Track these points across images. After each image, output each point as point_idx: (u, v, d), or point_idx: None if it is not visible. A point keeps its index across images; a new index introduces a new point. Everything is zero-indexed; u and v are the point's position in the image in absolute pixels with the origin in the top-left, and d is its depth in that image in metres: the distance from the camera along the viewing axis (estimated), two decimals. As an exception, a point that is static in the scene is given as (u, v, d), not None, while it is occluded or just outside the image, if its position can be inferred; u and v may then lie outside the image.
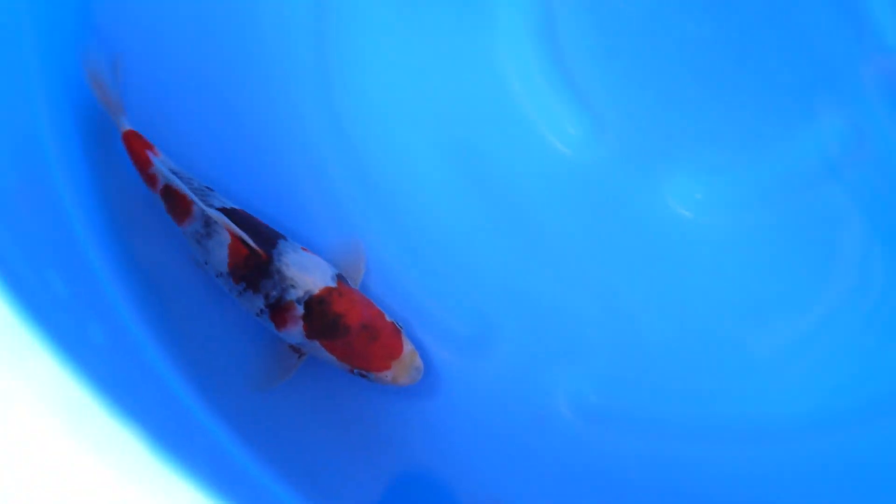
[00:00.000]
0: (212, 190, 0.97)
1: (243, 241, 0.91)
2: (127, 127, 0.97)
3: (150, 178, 0.96)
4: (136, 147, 0.96)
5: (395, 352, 0.94)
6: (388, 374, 0.93)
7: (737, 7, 1.11)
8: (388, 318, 0.95)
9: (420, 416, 0.99)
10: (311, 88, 1.07)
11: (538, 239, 1.06)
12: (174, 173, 0.95)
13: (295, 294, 0.92)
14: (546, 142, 1.08)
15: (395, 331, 0.95)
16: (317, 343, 0.93)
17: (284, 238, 0.96)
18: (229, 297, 0.97)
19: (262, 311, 0.93)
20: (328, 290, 0.93)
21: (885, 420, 1.01)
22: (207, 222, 0.93)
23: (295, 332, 0.93)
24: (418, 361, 0.95)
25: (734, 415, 1.01)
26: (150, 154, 0.96)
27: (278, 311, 0.93)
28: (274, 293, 0.92)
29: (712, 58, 1.10)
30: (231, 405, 0.96)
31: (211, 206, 0.93)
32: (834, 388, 1.02)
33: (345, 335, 0.93)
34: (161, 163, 0.95)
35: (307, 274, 0.93)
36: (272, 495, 0.92)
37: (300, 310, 0.92)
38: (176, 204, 0.94)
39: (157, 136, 0.98)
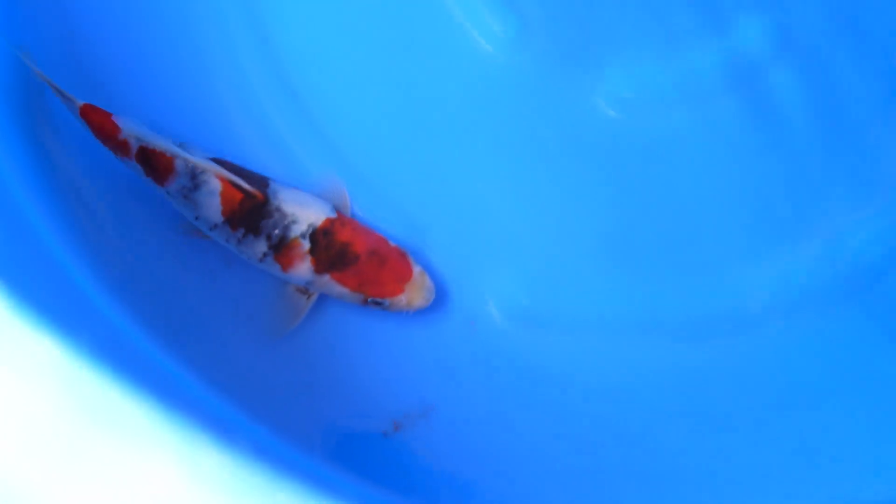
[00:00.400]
0: (185, 144, 0.95)
1: (237, 185, 0.90)
2: (81, 101, 0.93)
3: (121, 146, 0.92)
4: (98, 118, 0.92)
5: (405, 274, 0.94)
6: (402, 298, 0.94)
7: None
8: (392, 243, 0.96)
9: (347, 321, 0.99)
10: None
11: (466, 141, 1.06)
12: (146, 133, 0.92)
13: (298, 229, 0.92)
14: (473, 42, 1.08)
15: (402, 254, 0.95)
16: (327, 277, 0.93)
17: (273, 179, 0.95)
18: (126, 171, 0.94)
19: (264, 255, 0.93)
20: (330, 221, 0.93)
21: (809, 314, 1.03)
22: (194, 174, 0.91)
23: (303, 269, 0.93)
24: (429, 282, 0.96)
25: (664, 313, 1.03)
26: (115, 121, 0.92)
27: (283, 250, 0.92)
28: (276, 232, 0.92)
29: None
30: (112, 265, 0.94)
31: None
32: (762, 284, 1.04)
33: (354, 263, 0.93)
34: (130, 126, 0.92)
35: (307, 208, 0.93)
36: (163, 370, 0.89)
37: (306, 244, 0.92)
38: (156, 163, 0.92)
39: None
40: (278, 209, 0.92)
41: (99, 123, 0.92)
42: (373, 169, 1.04)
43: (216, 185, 0.91)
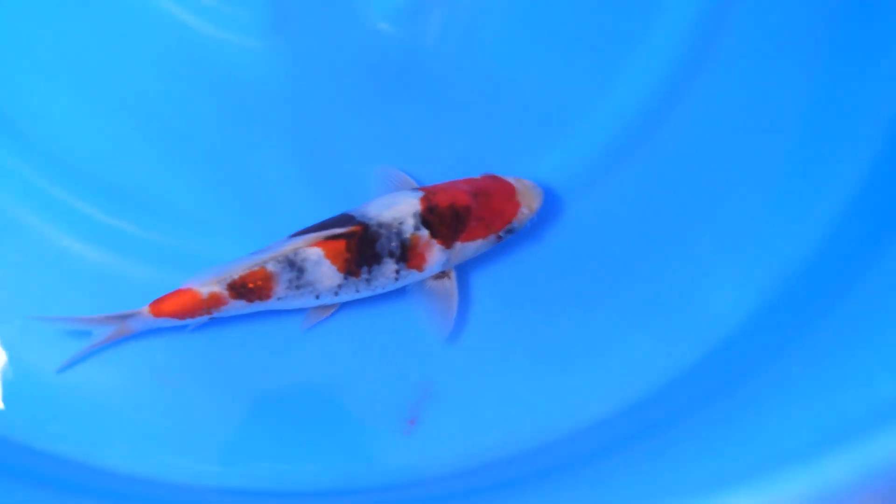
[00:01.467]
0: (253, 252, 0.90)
1: (332, 236, 0.86)
2: (146, 306, 0.87)
3: (212, 302, 0.87)
4: (174, 302, 0.87)
5: (510, 191, 0.93)
6: (524, 211, 0.93)
7: None
8: (476, 177, 0.94)
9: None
10: None
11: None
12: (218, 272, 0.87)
13: (410, 225, 0.89)
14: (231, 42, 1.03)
15: (493, 177, 0.94)
16: (458, 245, 0.91)
17: (348, 210, 0.91)
18: None
19: (397, 272, 0.89)
20: (425, 199, 0.90)
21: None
22: (291, 262, 0.87)
23: (436, 255, 0.90)
24: (527, 180, 0.94)
25: None
26: (189, 288, 0.87)
27: (410, 254, 0.89)
28: (394, 245, 0.88)
29: None
30: None
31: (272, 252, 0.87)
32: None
33: (470, 215, 0.91)
34: (202, 281, 0.87)
35: (398, 203, 0.90)
36: None
37: (424, 233, 0.89)
38: (252, 284, 0.87)
39: None
40: (380, 224, 0.88)
41: (179, 305, 0.87)
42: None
43: (316, 252, 0.87)
